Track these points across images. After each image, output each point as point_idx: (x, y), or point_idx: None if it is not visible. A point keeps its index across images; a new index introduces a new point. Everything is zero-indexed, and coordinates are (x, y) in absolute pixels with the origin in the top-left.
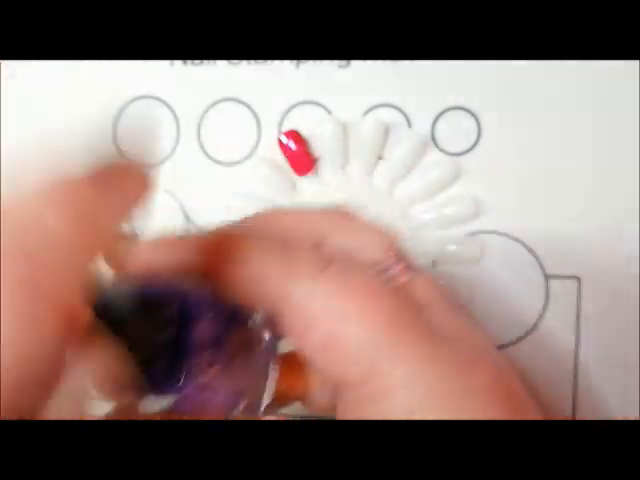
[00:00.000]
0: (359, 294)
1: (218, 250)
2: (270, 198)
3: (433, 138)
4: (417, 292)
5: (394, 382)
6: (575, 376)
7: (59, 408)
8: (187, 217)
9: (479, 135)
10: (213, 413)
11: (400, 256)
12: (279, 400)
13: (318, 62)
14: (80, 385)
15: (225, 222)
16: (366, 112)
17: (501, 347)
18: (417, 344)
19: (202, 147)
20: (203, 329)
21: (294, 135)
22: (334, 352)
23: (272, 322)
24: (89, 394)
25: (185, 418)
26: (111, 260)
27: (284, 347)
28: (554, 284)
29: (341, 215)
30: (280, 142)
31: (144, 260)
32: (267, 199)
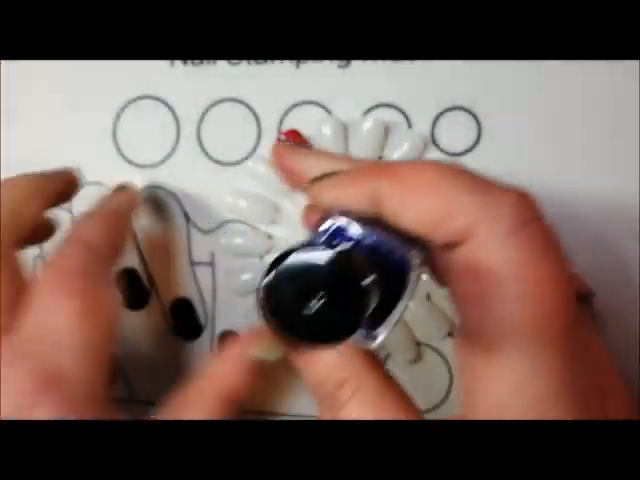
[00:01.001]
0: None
1: (397, 179)
2: (270, 198)
3: (433, 138)
4: None
5: None
6: None
7: None
8: (187, 217)
9: (479, 135)
10: None
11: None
12: None
13: (318, 62)
14: None
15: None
16: (366, 112)
17: None
18: None
19: (202, 147)
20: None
21: (294, 135)
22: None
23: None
24: None
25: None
26: None
27: None
28: None
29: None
30: (279, 142)
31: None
32: (267, 199)
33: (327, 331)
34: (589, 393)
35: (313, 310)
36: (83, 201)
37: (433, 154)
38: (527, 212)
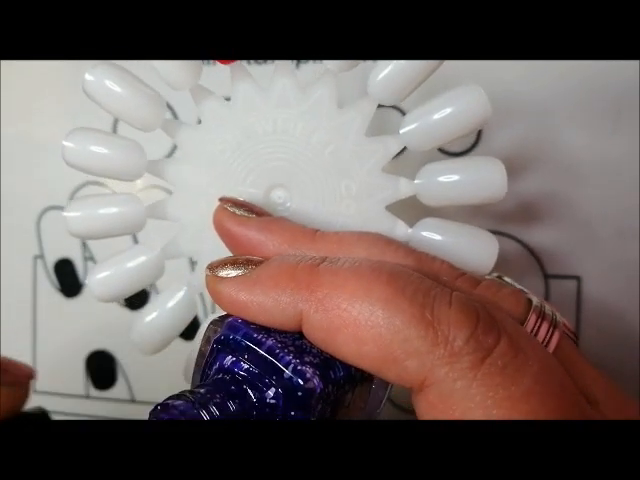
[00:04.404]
0: (358, 275)
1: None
2: None
3: None
4: None
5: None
6: None
7: None
8: None
9: (479, 135)
10: None
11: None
12: None
13: (318, 62)
14: None
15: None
16: None
17: None
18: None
19: None
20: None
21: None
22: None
23: None
24: None
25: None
26: None
27: None
28: (554, 284)
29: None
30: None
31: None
32: None
33: None
34: None
35: None
36: None
37: (433, 154)
38: (486, 337)
